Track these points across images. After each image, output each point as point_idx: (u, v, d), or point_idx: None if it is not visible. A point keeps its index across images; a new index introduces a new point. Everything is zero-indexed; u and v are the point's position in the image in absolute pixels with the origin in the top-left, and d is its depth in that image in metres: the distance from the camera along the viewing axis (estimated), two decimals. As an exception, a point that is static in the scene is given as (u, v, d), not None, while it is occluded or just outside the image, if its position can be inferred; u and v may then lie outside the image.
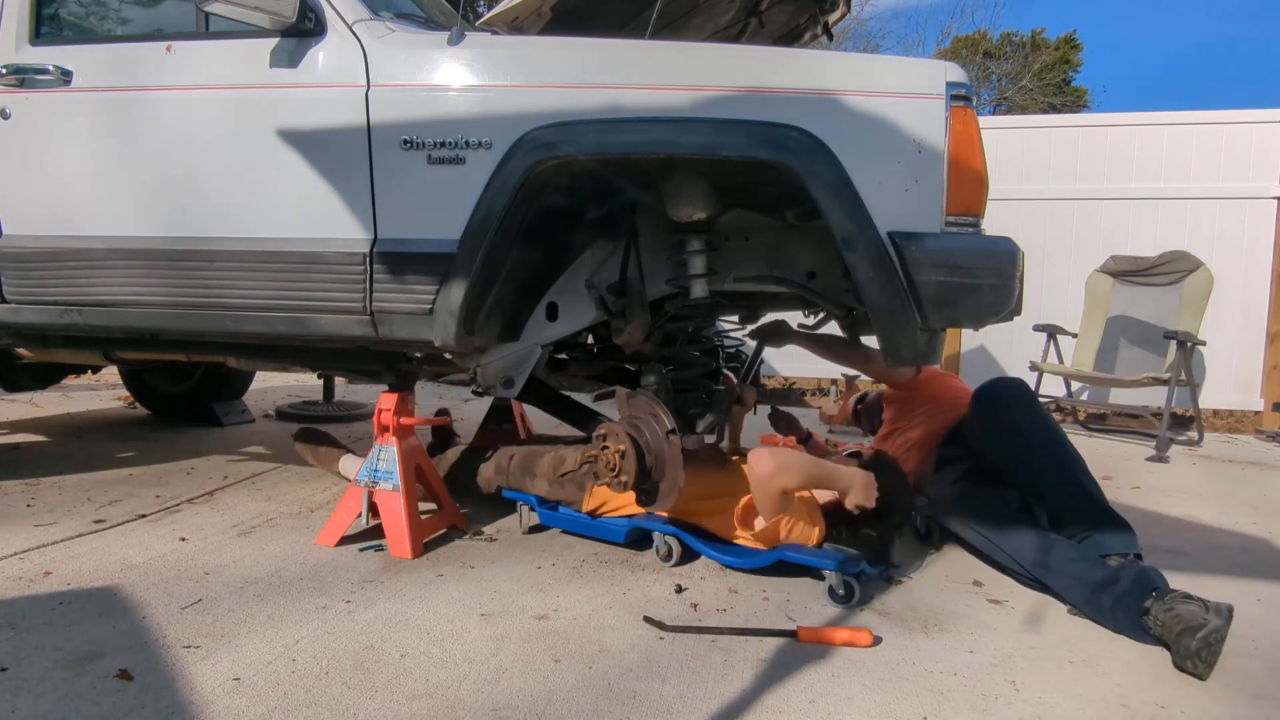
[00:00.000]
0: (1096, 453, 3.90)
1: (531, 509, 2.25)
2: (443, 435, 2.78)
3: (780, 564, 1.88)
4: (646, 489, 1.86)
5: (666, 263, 2.07)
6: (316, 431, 2.66)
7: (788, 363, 5.59)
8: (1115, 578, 1.71)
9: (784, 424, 2.66)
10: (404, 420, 2.11)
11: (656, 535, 2.05)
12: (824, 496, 1.96)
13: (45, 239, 2.14)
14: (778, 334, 2.55)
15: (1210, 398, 4.79)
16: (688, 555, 2.04)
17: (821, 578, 1.84)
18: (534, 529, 2.28)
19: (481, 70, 1.83)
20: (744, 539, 1.96)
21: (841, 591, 1.79)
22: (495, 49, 1.86)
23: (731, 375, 2.57)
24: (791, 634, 1.59)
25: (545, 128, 1.76)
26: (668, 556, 2.02)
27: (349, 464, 2.59)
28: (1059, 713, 1.35)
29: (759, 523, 1.90)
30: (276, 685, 1.35)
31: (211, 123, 2.00)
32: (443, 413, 2.84)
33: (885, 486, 1.90)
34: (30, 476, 2.71)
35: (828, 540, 1.92)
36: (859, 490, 1.86)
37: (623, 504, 2.08)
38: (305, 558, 1.98)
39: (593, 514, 2.13)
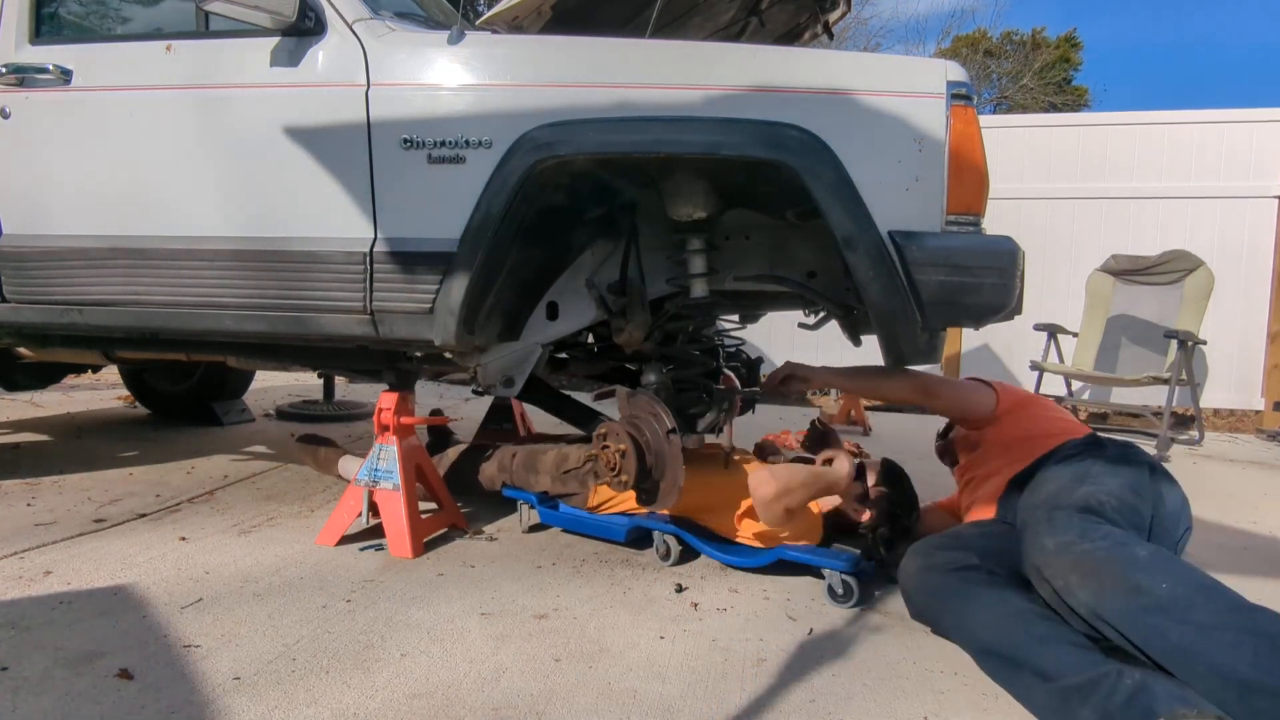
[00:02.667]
0: (1097, 452, 3.89)
1: (532, 507, 2.25)
2: (440, 435, 2.78)
3: (781, 563, 1.88)
4: (647, 488, 1.87)
5: (667, 262, 2.07)
6: (317, 436, 2.67)
7: (788, 362, 5.58)
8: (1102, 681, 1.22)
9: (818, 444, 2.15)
10: (404, 419, 2.11)
11: (656, 534, 2.05)
12: (826, 505, 1.96)
13: (45, 238, 2.14)
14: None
15: (1211, 397, 4.79)
16: (687, 554, 2.04)
17: (821, 577, 1.84)
18: (534, 528, 2.28)
19: (481, 69, 1.83)
20: (745, 538, 1.96)
21: (840, 591, 1.78)
22: (495, 48, 1.86)
23: (732, 375, 2.57)
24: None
25: (545, 127, 1.76)
26: (666, 555, 2.03)
27: (348, 464, 2.58)
28: (1059, 712, 1.34)
29: (757, 524, 1.90)
30: (277, 684, 1.35)
31: (211, 122, 2.00)
32: (437, 413, 2.85)
33: (889, 497, 1.90)
34: (30, 476, 2.71)
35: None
36: (847, 478, 1.87)
37: (625, 500, 2.08)
38: (305, 557, 1.98)
39: (595, 510, 2.14)
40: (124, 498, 2.49)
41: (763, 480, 1.81)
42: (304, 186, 1.94)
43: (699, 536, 1.99)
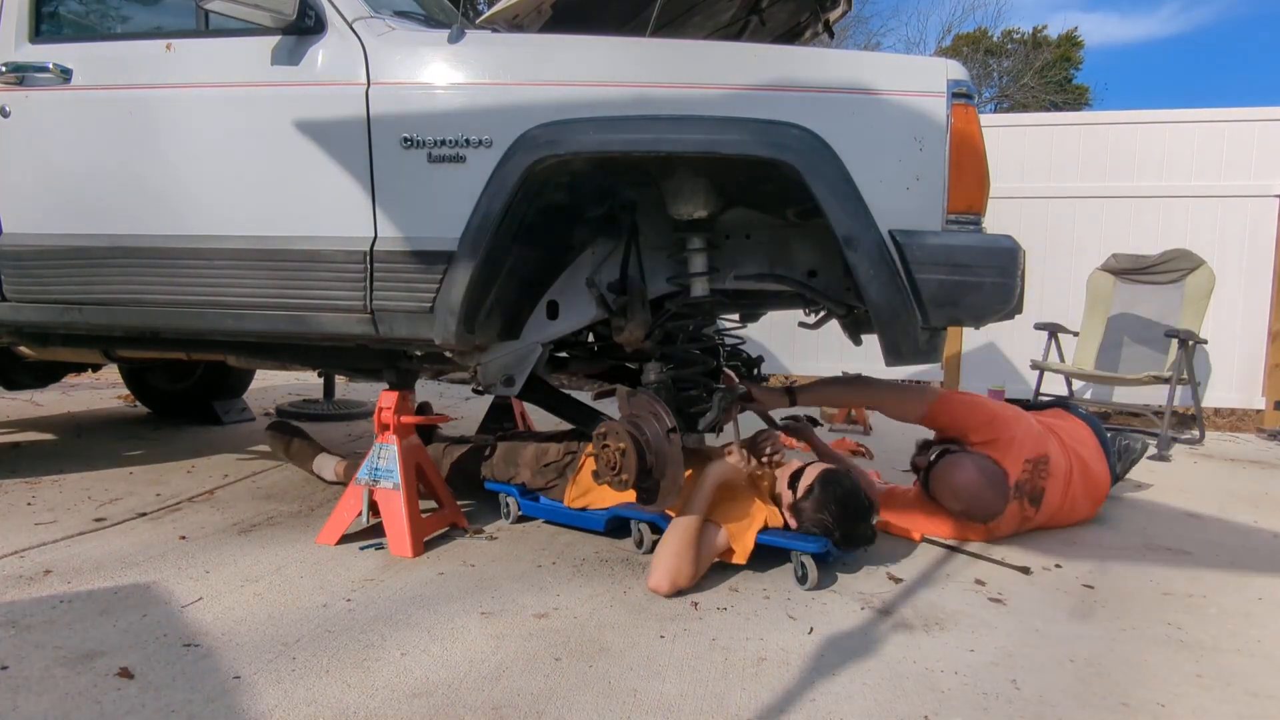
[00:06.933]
0: (1098, 451, 3.89)
1: (511, 499, 2.30)
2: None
3: (781, 561, 1.89)
4: (647, 487, 1.87)
5: (667, 261, 2.07)
6: (289, 425, 2.67)
7: (791, 360, 5.59)
8: None
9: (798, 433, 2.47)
10: (404, 419, 2.11)
11: (633, 523, 2.11)
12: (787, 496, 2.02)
13: (45, 237, 2.14)
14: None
15: (1212, 396, 4.79)
16: None
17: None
18: (522, 521, 2.29)
19: (482, 68, 1.83)
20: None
21: (800, 572, 1.86)
22: (495, 47, 1.86)
23: (732, 374, 2.56)
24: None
25: (545, 126, 1.75)
26: (640, 544, 2.08)
27: (324, 463, 2.59)
28: (1059, 711, 1.34)
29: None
30: (277, 684, 1.35)
31: (211, 121, 2.00)
32: (424, 409, 2.85)
33: (817, 510, 1.92)
34: (31, 475, 2.71)
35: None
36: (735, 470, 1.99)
37: (608, 498, 2.13)
38: (305, 556, 1.98)
39: (582, 509, 2.18)
40: (124, 496, 2.49)
41: (656, 580, 1.80)
42: (304, 185, 1.93)
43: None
